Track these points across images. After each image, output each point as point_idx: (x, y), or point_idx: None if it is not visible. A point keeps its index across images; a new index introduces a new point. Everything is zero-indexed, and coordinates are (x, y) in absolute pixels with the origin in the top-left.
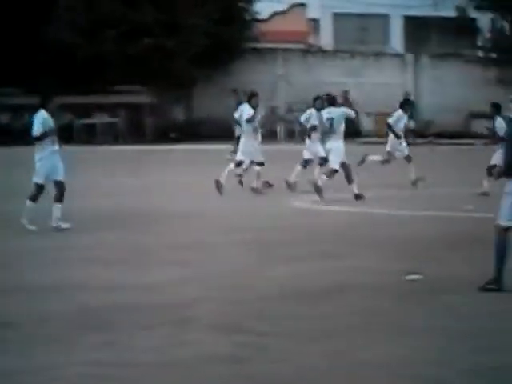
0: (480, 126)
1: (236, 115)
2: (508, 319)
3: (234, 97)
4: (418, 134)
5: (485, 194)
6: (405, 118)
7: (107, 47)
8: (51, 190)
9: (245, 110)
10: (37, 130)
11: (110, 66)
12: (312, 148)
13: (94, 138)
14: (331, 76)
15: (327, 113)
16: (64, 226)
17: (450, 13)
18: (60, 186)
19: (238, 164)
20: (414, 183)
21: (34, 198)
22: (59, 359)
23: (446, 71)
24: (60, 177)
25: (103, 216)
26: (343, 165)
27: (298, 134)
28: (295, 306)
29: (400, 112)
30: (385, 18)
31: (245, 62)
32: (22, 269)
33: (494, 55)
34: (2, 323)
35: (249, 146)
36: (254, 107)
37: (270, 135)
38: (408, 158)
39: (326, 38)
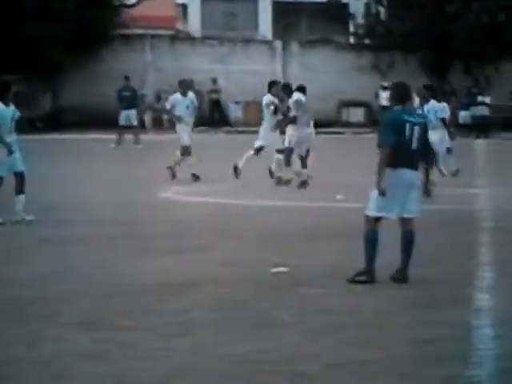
0: (352, 114)
1: (167, 105)
2: (373, 312)
3: (125, 83)
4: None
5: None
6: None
7: None
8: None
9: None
10: None
11: None
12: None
13: None
14: (200, 63)
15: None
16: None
17: None
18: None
19: (258, 150)
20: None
21: None
22: None
23: (317, 58)
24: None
25: None
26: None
27: (166, 122)
28: (158, 301)
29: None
30: (254, 2)
31: (114, 49)
32: None
33: (367, 41)
34: None
35: (269, 133)
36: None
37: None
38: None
39: (194, 24)
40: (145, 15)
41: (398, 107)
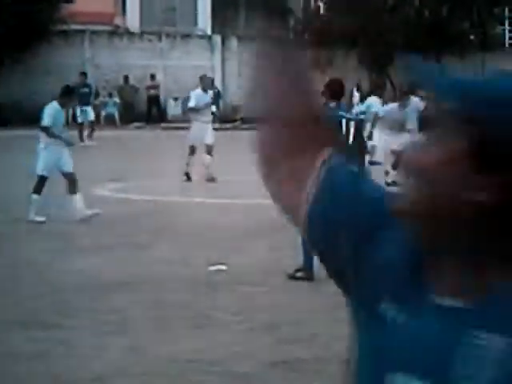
0: None
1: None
2: (310, 310)
3: (79, 79)
4: (224, 119)
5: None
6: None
7: None
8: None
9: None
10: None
11: None
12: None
13: None
14: (138, 59)
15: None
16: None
17: None
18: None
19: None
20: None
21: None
22: None
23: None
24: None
25: None
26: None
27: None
28: (92, 299)
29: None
30: None
31: (52, 45)
32: None
33: (306, 36)
34: None
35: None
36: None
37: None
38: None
39: (133, 20)
40: (84, 11)
41: (332, 104)
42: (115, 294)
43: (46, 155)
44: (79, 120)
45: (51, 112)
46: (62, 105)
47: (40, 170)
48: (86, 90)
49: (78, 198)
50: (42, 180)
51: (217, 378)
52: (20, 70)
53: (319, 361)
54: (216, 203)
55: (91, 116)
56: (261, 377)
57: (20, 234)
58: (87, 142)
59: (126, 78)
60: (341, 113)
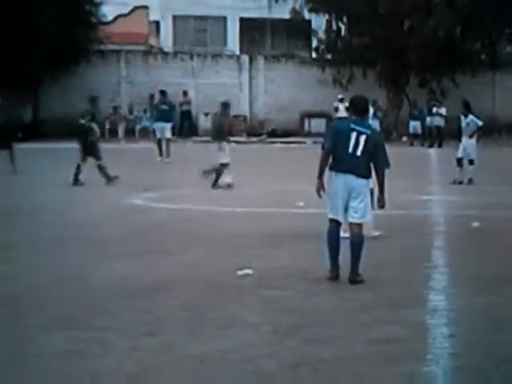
0: (314, 124)
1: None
2: (333, 312)
3: (159, 97)
4: (251, 133)
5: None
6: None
7: None
8: None
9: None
10: None
11: None
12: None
13: None
14: (171, 77)
15: None
16: None
17: (285, 15)
18: None
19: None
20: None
21: None
22: None
23: (280, 72)
24: None
25: None
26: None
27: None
28: (127, 302)
29: None
30: (222, 19)
31: (90, 64)
32: None
33: (328, 56)
34: None
35: None
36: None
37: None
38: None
39: (166, 40)
40: (120, 32)
41: (351, 117)
42: (148, 297)
43: None
44: (158, 136)
45: None
46: None
47: None
48: (165, 107)
49: None
50: None
51: (243, 376)
52: (59, 88)
53: (340, 362)
54: (242, 212)
55: (168, 134)
56: (285, 376)
57: (59, 239)
58: (165, 159)
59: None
60: (352, 125)
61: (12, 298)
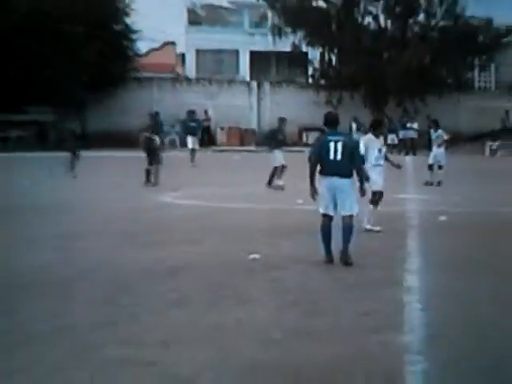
0: (310, 136)
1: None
2: (325, 290)
3: (188, 115)
4: (260, 144)
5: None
6: None
7: (15, 74)
8: None
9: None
10: None
11: (17, 89)
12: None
13: (7, 147)
14: (194, 99)
15: None
16: None
17: (287, 48)
18: None
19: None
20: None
21: None
22: None
23: (283, 95)
24: None
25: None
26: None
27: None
28: (155, 281)
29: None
30: (235, 52)
31: (127, 88)
32: None
33: (322, 82)
34: None
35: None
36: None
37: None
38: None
39: (190, 69)
40: (152, 62)
41: (327, 130)
42: (173, 277)
43: None
44: (189, 146)
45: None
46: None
47: None
48: (194, 124)
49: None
50: None
51: (255, 343)
52: (102, 108)
53: (331, 330)
54: (251, 208)
55: (197, 145)
56: (288, 342)
57: (99, 232)
58: (192, 164)
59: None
60: (330, 137)
61: (65, 278)
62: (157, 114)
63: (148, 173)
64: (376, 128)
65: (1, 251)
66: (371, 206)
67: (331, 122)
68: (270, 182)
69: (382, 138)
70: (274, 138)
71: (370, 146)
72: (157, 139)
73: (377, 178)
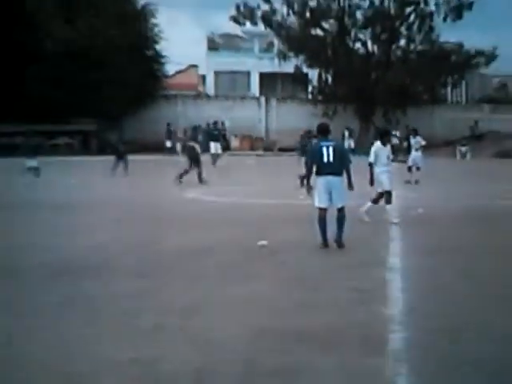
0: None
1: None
2: (321, 269)
3: (213, 126)
4: (268, 149)
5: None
6: None
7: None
8: None
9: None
10: None
11: (66, 105)
12: None
13: (57, 152)
14: (213, 112)
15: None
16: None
17: (290, 69)
18: None
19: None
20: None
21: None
22: None
23: (287, 109)
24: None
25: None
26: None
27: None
28: (185, 259)
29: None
30: (247, 73)
31: (157, 103)
32: None
33: (319, 97)
34: None
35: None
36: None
37: (169, 151)
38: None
39: (209, 87)
40: (178, 82)
41: (319, 138)
42: (196, 258)
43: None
44: (212, 151)
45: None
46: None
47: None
48: (216, 132)
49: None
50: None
51: (264, 311)
52: (136, 119)
53: (325, 303)
54: (260, 202)
55: (219, 150)
56: (292, 311)
57: (133, 219)
58: (215, 165)
59: (208, 124)
60: (322, 143)
61: (116, 254)
62: (198, 126)
63: (186, 173)
64: (383, 137)
65: (70, 233)
66: (387, 206)
67: (323, 131)
68: (302, 183)
69: (389, 146)
70: (304, 147)
71: (379, 153)
72: (197, 147)
73: (385, 181)
